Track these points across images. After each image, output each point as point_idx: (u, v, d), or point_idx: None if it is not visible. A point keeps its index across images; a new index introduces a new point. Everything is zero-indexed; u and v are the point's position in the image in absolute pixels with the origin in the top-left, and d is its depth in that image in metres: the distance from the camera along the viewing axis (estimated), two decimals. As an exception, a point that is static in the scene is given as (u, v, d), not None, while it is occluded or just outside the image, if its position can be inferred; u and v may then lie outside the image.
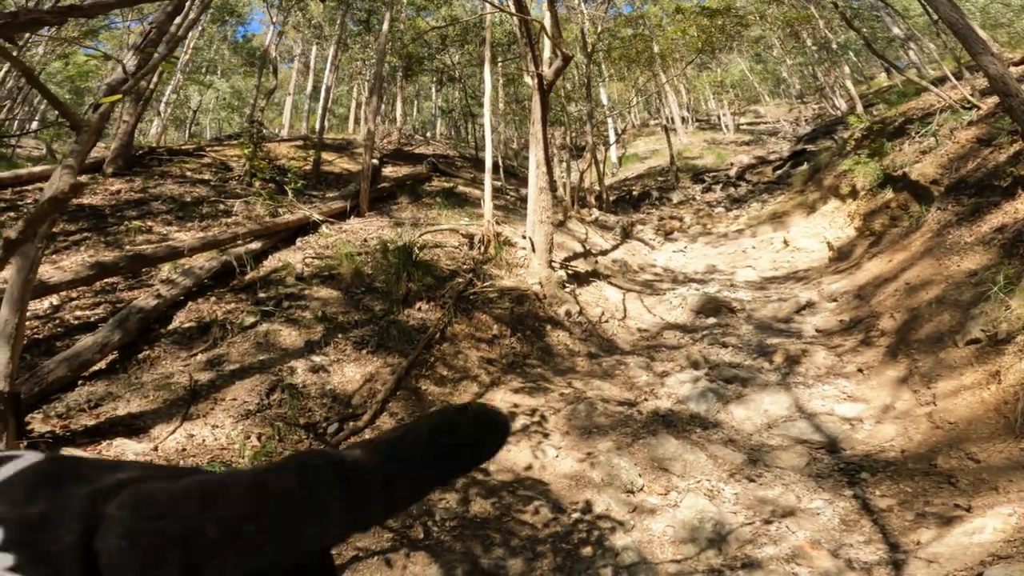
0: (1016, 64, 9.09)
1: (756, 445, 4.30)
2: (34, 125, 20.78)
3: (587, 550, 3.31)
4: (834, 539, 3.22)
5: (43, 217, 1.56)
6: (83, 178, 8.22)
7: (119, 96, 2.47)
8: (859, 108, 14.40)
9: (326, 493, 0.19)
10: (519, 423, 4.66)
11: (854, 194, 9.07)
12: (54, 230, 6.52)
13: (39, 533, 0.18)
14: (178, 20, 7.14)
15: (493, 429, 0.22)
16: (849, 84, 16.00)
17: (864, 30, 14.73)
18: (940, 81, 10.44)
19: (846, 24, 12.07)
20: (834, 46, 17.19)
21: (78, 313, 5.20)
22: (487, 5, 8.15)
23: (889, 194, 7.98)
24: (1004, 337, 4.04)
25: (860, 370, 5.04)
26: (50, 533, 0.18)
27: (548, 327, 6.41)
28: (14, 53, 2.30)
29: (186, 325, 5.20)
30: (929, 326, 4.89)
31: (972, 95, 8.03)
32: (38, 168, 8.69)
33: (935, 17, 8.49)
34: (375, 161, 11.44)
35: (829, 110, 21.23)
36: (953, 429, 3.75)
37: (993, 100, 7.12)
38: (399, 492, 0.20)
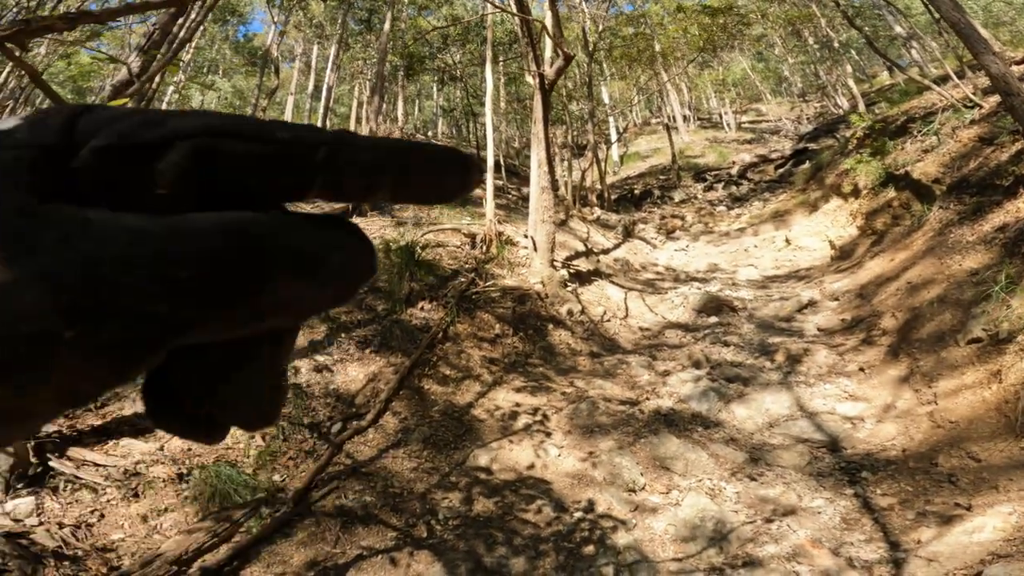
0: (1018, 63, 9.06)
1: (758, 444, 4.32)
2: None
3: (589, 549, 3.33)
4: (835, 537, 3.24)
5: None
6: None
7: (126, 100, 2.50)
8: (861, 106, 14.39)
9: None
10: (521, 422, 4.68)
11: (856, 193, 9.07)
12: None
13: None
14: (181, 21, 7.15)
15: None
16: (851, 82, 15.98)
17: (866, 28, 14.72)
18: (942, 80, 10.42)
19: (848, 23, 12.07)
20: (836, 44, 17.17)
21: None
22: (488, 5, 8.16)
23: (891, 193, 7.98)
24: (1005, 336, 4.05)
25: (861, 369, 5.06)
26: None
27: (550, 326, 6.43)
28: (18, 54, 2.32)
29: (190, 325, 5.23)
30: (930, 325, 4.90)
31: (974, 94, 8.02)
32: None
33: (937, 16, 8.48)
34: (377, 161, 11.44)
35: (831, 108, 21.19)
36: (954, 428, 3.76)
37: (995, 99, 7.11)
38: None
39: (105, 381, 0.15)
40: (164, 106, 19.48)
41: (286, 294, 0.16)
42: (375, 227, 8.25)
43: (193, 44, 18.47)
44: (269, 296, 0.16)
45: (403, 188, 0.20)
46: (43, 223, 0.14)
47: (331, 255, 0.17)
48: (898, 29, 14.69)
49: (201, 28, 18.99)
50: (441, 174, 0.20)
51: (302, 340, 5.18)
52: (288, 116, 23.16)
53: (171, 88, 19.47)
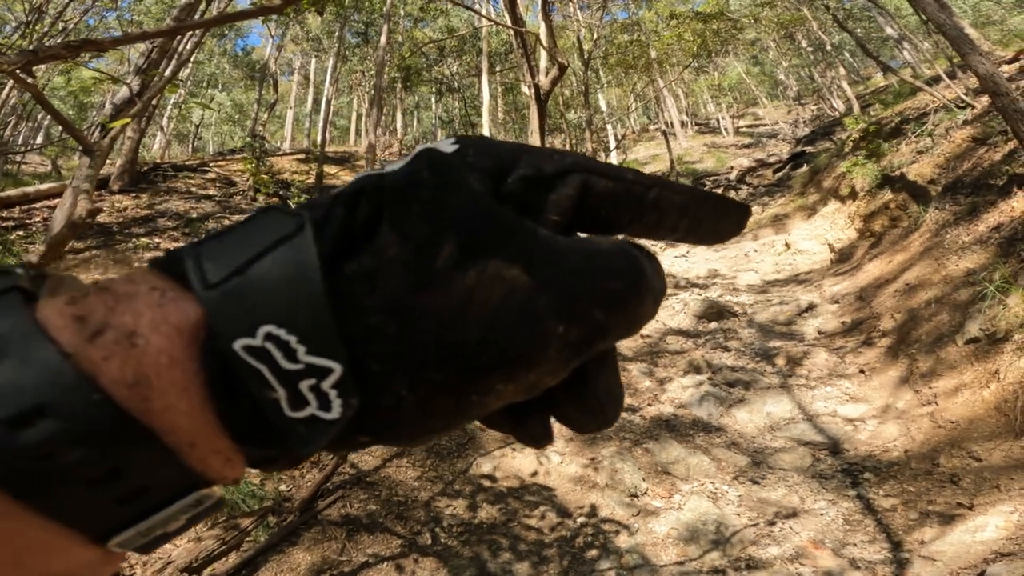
0: (1008, 62, 9.14)
1: (759, 448, 4.34)
2: (39, 140, 21.01)
3: (592, 553, 3.36)
4: (837, 539, 3.26)
5: (64, 241, 1.63)
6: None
7: (128, 120, 2.56)
8: (856, 108, 14.49)
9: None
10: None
11: (854, 195, 9.12)
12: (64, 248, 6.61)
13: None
14: (181, 38, 7.25)
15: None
16: (845, 85, 16.09)
17: (858, 31, 14.86)
18: (934, 80, 10.51)
19: (838, 26, 12.18)
20: (828, 47, 17.31)
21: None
22: (482, 18, 8.26)
23: (888, 195, 8.03)
24: (1002, 335, 4.08)
25: (862, 371, 5.08)
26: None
27: (551, 334, 6.47)
28: (29, 80, 2.38)
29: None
30: (929, 326, 4.93)
31: (966, 94, 8.09)
32: (45, 186, 8.82)
33: (924, 17, 8.58)
34: (376, 172, 11.53)
35: (827, 111, 21.30)
36: (955, 428, 3.78)
37: (986, 99, 7.18)
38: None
39: (558, 375, 0.18)
40: (165, 120, 19.61)
41: (643, 312, 0.20)
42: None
43: (191, 58, 18.64)
44: (639, 308, 0.19)
45: (694, 228, 0.23)
46: (537, 241, 0.18)
47: (658, 281, 0.21)
48: (889, 31, 14.82)
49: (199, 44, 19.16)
50: (722, 218, 0.23)
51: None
52: (288, 130, 23.31)
53: (170, 102, 19.62)
